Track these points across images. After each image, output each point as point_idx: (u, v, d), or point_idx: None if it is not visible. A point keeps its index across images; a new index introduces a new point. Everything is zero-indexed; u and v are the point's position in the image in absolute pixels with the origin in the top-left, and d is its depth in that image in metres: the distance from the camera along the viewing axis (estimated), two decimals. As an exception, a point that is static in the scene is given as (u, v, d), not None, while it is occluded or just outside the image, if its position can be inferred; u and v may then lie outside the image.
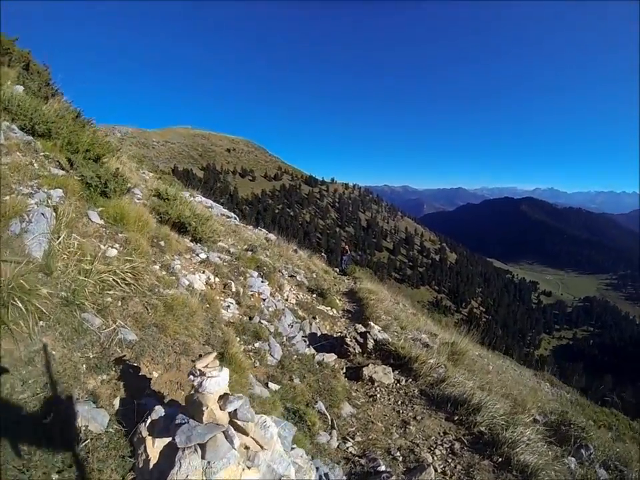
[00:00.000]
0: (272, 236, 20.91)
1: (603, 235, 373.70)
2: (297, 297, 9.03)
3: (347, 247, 25.23)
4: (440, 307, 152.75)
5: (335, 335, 7.74)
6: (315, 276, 14.17)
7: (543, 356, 78.02)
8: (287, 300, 8.26)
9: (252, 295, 7.16)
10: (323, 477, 3.84)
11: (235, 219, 18.77)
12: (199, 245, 7.49)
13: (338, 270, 23.06)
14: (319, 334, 7.60)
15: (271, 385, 5.39)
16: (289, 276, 10.56)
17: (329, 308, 9.77)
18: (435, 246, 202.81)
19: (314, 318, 8.36)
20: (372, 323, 8.00)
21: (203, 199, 19.00)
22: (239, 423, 2.71)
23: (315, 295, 10.02)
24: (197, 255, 7.07)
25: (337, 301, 10.72)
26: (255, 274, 7.90)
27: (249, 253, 9.09)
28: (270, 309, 7.22)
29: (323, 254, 24.29)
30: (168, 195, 8.65)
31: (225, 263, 7.38)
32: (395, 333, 8.06)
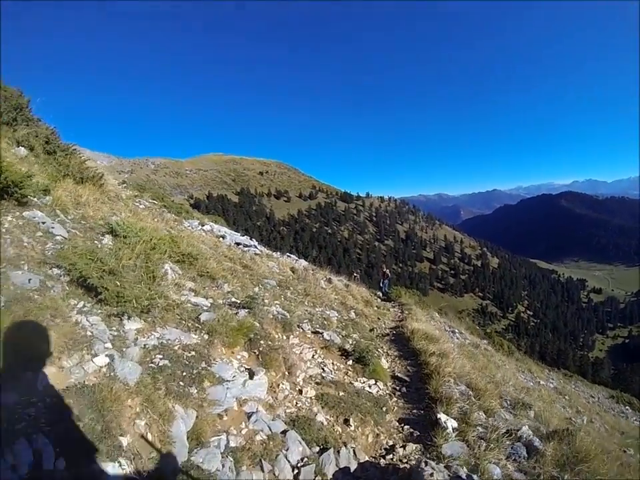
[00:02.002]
0: (302, 263, 18.41)
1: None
2: (320, 379, 6.07)
3: (387, 271, 23.95)
4: (486, 314, 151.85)
5: (382, 464, 4.42)
6: (353, 316, 11.29)
7: (598, 358, 73.16)
8: (300, 393, 5.30)
9: (219, 416, 4.01)
10: None
11: (255, 247, 16.24)
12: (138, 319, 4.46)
13: (381, 294, 21.52)
14: (353, 467, 4.19)
15: None
16: (312, 332, 7.71)
17: (373, 382, 6.82)
18: (475, 252, 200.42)
19: (345, 432, 4.76)
20: (442, 417, 5.03)
21: (216, 226, 16.63)
22: None
23: (350, 362, 7.12)
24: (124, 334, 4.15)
25: (383, 364, 7.79)
26: (236, 364, 4.98)
27: (241, 312, 6.23)
28: (259, 437, 3.96)
29: (355, 274, 23.53)
30: (125, 231, 6.00)
31: (178, 351, 4.38)
32: (479, 428, 5.07)
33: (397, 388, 6.94)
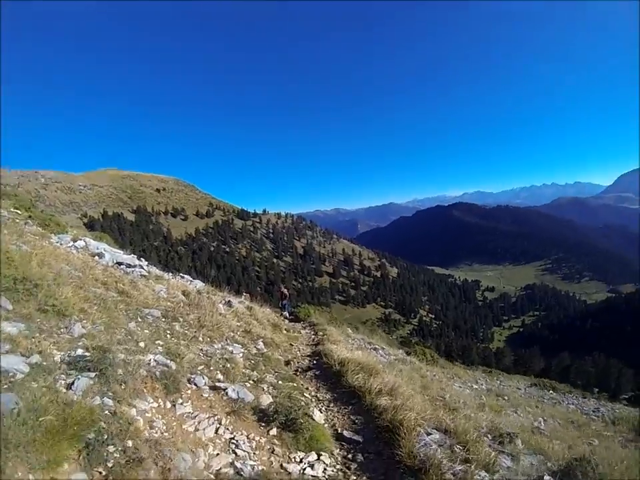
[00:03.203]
0: (197, 285, 15.90)
1: (531, 226, 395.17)
2: (233, 476, 3.66)
3: (284, 290, 22.54)
4: (390, 322, 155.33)
5: None
6: (262, 347, 9.06)
7: (499, 348, 78.92)
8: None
9: None
10: None
11: (141, 267, 13.48)
12: None
13: (287, 314, 19.83)
14: None
15: None
16: (211, 388, 5.37)
17: (314, 457, 4.41)
18: (374, 263, 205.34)
19: None
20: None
21: (93, 243, 13.73)
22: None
23: (274, 431, 4.81)
24: None
25: (318, 417, 5.60)
26: None
27: (79, 382, 3.67)
28: None
29: (245, 293, 20.21)
30: None
31: None
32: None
33: (350, 457, 4.78)
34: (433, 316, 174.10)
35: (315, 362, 9.18)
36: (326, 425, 5.67)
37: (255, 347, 9.06)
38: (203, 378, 5.55)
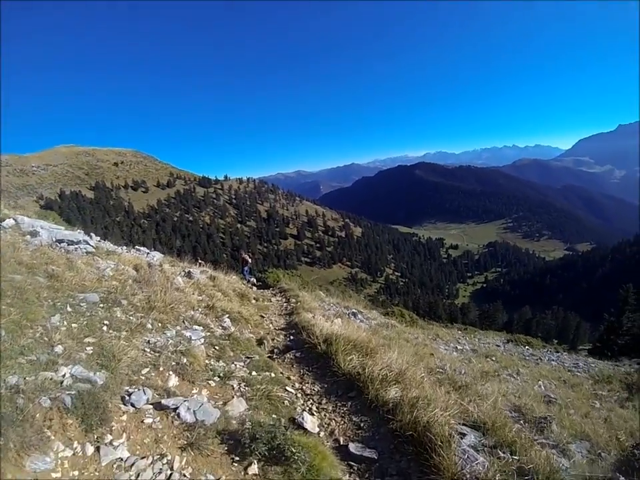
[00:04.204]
0: (155, 257, 14.26)
1: (493, 186, 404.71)
2: None
3: (246, 257, 21.39)
4: (357, 281, 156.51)
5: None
6: (228, 325, 7.62)
7: (464, 304, 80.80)
8: None
9: None
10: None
11: (87, 243, 11.64)
12: None
13: (255, 281, 18.55)
14: None
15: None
16: (156, 408, 3.77)
17: None
18: (338, 224, 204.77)
19: None
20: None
21: (27, 220, 11.62)
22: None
23: (254, 468, 3.25)
24: None
25: (309, 422, 4.14)
26: None
27: None
28: None
29: (200, 261, 18.95)
30: None
31: None
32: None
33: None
34: (399, 274, 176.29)
35: (292, 337, 7.79)
36: (322, 435, 4.29)
37: (220, 325, 7.61)
38: (145, 393, 3.94)
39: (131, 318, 5.93)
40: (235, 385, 4.99)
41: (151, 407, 3.86)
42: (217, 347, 6.20)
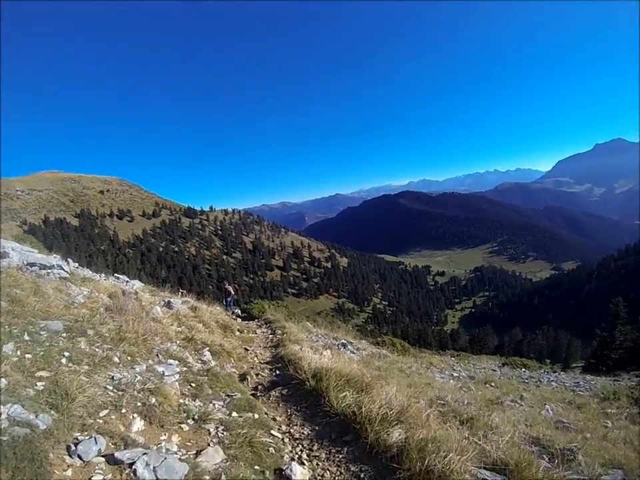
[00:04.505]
0: (135, 285, 13.66)
1: (477, 211, 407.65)
2: None
3: (229, 288, 21.12)
4: (344, 311, 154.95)
5: None
6: (208, 358, 6.94)
7: (454, 330, 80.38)
8: None
9: None
10: None
11: (61, 267, 10.90)
12: None
13: (240, 312, 18.66)
14: None
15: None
16: (109, 461, 3.02)
17: None
18: (324, 254, 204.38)
19: None
20: None
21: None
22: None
23: None
24: None
25: (298, 475, 3.48)
26: None
27: None
28: None
29: (182, 290, 18.28)
30: None
31: None
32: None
33: None
34: (387, 303, 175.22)
35: (278, 372, 7.10)
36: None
37: (199, 359, 6.92)
38: (97, 441, 3.18)
39: (97, 350, 5.25)
40: (211, 429, 4.30)
41: (103, 459, 3.12)
42: (193, 384, 5.52)
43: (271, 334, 12.17)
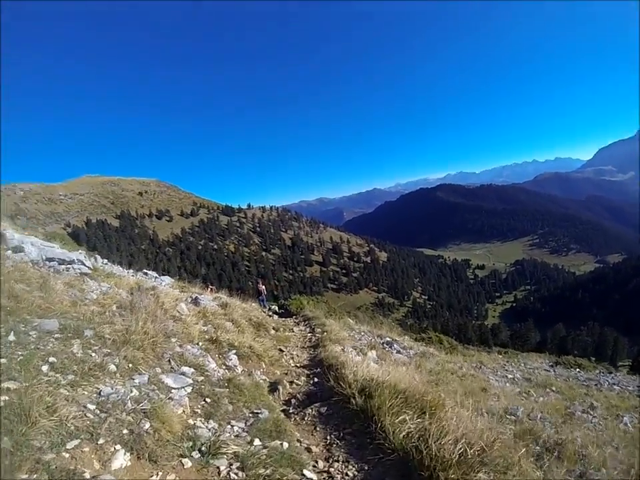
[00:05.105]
0: (164, 281, 12.94)
1: (515, 203, 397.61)
2: None
3: (262, 287, 20.42)
4: (384, 306, 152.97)
5: None
6: (234, 363, 5.91)
7: (494, 325, 77.60)
8: None
9: None
10: None
11: (82, 263, 10.17)
12: None
13: (277, 309, 17.65)
14: None
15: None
16: None
17: None
18: (363, 249, 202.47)
19: None
20: None
21: (17, 237, 10.31)
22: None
23: None
24: None
25: None
26: None
27: None
28: None
29: (211, 286, 18.35)
30: None
31: None
32: None
33: None
34: (426, 297, 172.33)
35: (316, 380, 5.97)
36: None
37: (223, 364, 5.90)
38: None
39: (92, 355, 4.29)
40: (222, 467, 3.19)
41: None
42: (208, 399, 4.45)
43: (309, 332, 11.20)
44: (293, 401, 5.35)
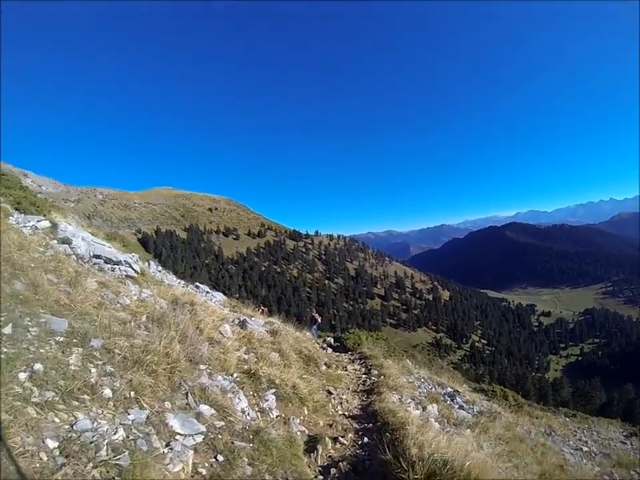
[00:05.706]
0: (216, 298, 12.28)
1: (589, 245, 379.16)
2: None
3: (316, 315, 19.97)
4: (440, 346, 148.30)
5: None
6: (268, 407, 4.90)
7: (556, 379, 71.81)
8: None
9: None
10: None
11: (129, 265, 9.73)
12: None
13: (332, 341, 16.03)
14: None
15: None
16: None
17: None
18: (426, 286, 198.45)
19: None
20: None
21: (70, 229, 9.91)
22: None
23: None
24: None
25: None
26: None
27: None
28: None
29: (262, 307, 17.00)
30: None
31: None
32: None
33: None
34: (486, 342, 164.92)
35: (366, 441, 4.82)
36: None
37: (256, 405, 4.89)
38: None
39: (90, 371, 3.45)
40: None
41: None
42: (221, 457, 3.37)
43: (364, 373, 10.10)
44: (333, 471, 4.16)
